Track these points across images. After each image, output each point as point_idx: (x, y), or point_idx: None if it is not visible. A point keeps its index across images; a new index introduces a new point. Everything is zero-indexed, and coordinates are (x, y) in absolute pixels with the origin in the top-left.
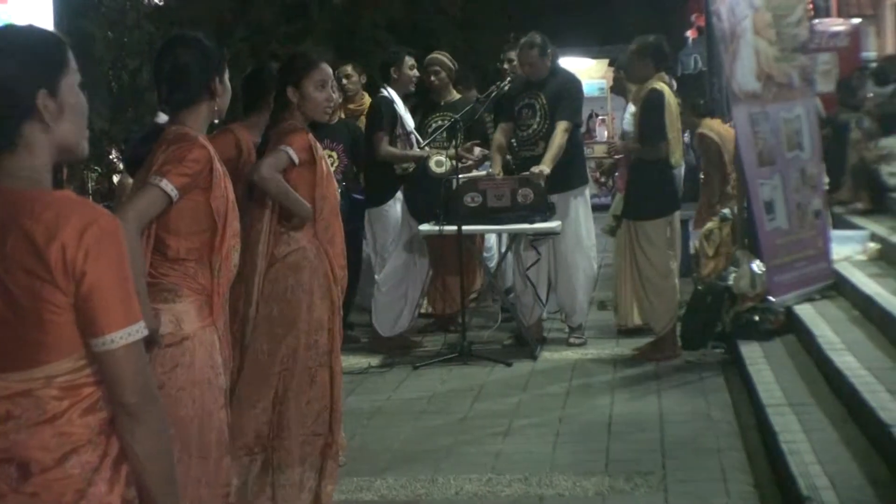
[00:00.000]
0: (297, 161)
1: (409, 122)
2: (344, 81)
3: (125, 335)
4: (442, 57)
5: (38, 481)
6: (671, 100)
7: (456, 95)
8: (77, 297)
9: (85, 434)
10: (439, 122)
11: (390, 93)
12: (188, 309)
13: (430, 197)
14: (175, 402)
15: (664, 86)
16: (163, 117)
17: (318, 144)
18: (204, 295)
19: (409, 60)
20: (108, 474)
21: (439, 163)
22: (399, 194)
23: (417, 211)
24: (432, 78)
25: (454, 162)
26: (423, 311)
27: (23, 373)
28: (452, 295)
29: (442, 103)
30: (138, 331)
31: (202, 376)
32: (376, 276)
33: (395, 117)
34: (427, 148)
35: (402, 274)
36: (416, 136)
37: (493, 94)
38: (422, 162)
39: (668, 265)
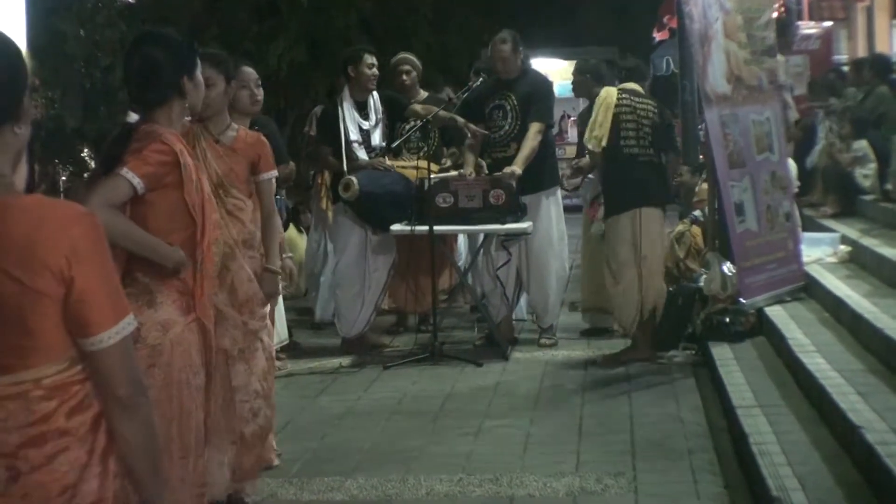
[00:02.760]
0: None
1: (366, 124)
2: (403, 78)
3: (116, 332)
4: (411, 56)
5: (27, 482)
6: (609, 100)
7: (424, 94)
8: (65, 301)
9: (73, 432)
10: (412, 123)
11: (341, 98)
12: (170, 312)
13: (376, 212)
14: (154, 403)
15: (608, 90)
16: (133, 116)
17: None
18: (186, 294)
19: (369, 59)
20: (98, 469)
21: (346, 185)
22: None
23: (368, 219)
24: (403, 77)
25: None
26: (385, 307)
27: (10, 376)
28: (424, 294)
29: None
30: (128, 325)
31: (180, 376)
32: (332, 277)
33: (337, 128)
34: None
35: (353, 273)
36: (377, 136)
37: (466, 95)
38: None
39: (629, 260)
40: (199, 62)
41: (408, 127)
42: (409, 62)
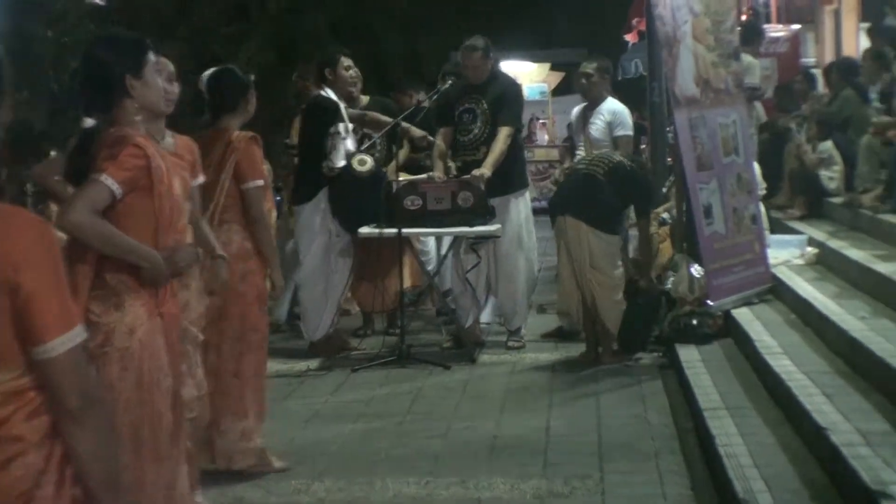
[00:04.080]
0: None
1: (349, 123)
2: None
3: (65, 341)
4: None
5: None
6: None
7: (366, 99)
8: (13, 308)
9: (30, 437)
10: (365, 129)
11: (329, 93)
12: (138, 313)
13: (354, 201)
14: (125, 405)
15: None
16: (89, 121)
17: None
18: (153, 295)
19: (345, 61)
20: (55, 476)
21: (362, 161)
22: (322, 195)
23: (341, 215)
24: (356, 83)
25: (376, 161)
26: (349, 310)
27: None
28: (388, 294)
29: (358, 110)
30: (78, 335)
31: (151, 378)
32: (295, 277)
33: (339, 114)
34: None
35: (317, 275)
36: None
37: (435, 98)
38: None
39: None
40: (150, 60)
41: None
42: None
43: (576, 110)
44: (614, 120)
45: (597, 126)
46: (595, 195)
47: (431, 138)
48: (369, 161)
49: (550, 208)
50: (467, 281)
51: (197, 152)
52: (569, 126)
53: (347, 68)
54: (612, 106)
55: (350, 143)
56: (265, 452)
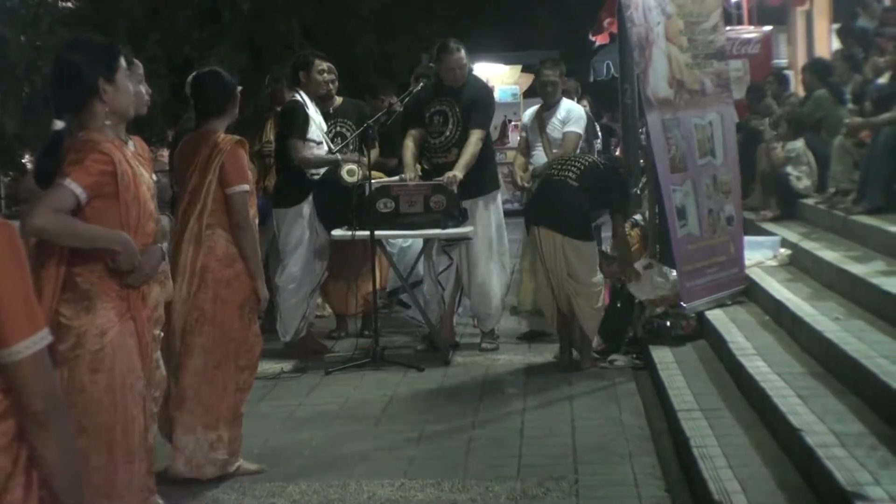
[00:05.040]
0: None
1: (323, 125)
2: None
3: (29, 345)
4: (331, 65)
5: None
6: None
7: (339, 99)
8: None
9: None
10: (339, 129)
11: (302, 96)
12: (109, 316)
13: (340, 204)
14: (98, 407)
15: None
16: (59, 124)
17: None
18: (123, 299)
19: (320, 64)
20: (23, 479)
21: (351, 171)
22: (309, 198)
23: (326, 217)
24: (330, 86)
25: (365, 170)
26: (323, 312)
27: None
28: (360, 294)
29: (331, 110)
30: (42, 339)
31: (123, 381)
32: (276, 280)
33: (308, 121)
34: (338, 154)
35: (300, 278)
36: (326, 141)
37: (407, 100)
38: (334, 168)
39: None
40: (122, 65)
41: (334, 133)
42: (333, 71)
43: (529, 112)
44: (567, 117)
45: (553, 125)
46: (569, 203)
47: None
48: (358, 171)
49: (525, 218)
50: (439, 282)
51: (149, 152)
52: (523, 128)
53: (321, 71)
54: (567, 105)
55: (324, 149)
56: (229, 464)
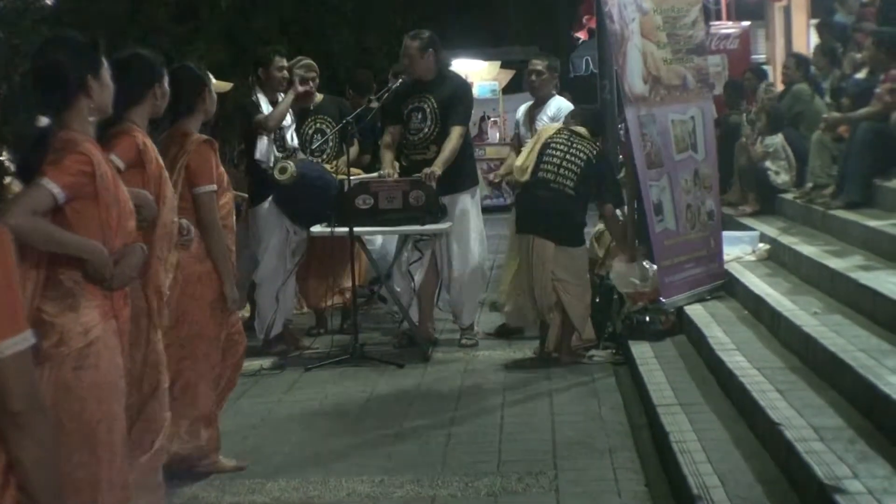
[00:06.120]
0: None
1: (283, 122)
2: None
3: (11, 345)
4: (313, 63)
5: None
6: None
7: (321, 96)
8: None
9: None
10: (318, 126)
11: (258, 97)
12: (93, 315)
13: (299, 202)
14: (82, 405)
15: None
16: (44, 120)
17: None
18: (107, 297)
19: (280, 61)
20: (0, 480)
21: (282, 169)
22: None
23: (290, 215)
24: (310, 84)
25: (297, 169)
26: (298, 310)
27: None
28: (343, 292)
29: (311, 107)
30: (25, 340)
31: (108, 378)
32: (254, 277)
33: (257, 113)
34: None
35: (275, 275)
36: (290, 136)
37: (385, 97)
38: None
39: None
40: (104, 63)
41: (312, 131)
42: (312, 69)
43: (521, 108)
44: (557, 114)
45: (543, 122)
46: (566, 213)
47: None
48: (290, 167)
49: (517, 223)
50: (409, 273)
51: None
52: (516, 124)
53: (280, 68)
54: (558, 103)
55: (267, 146)
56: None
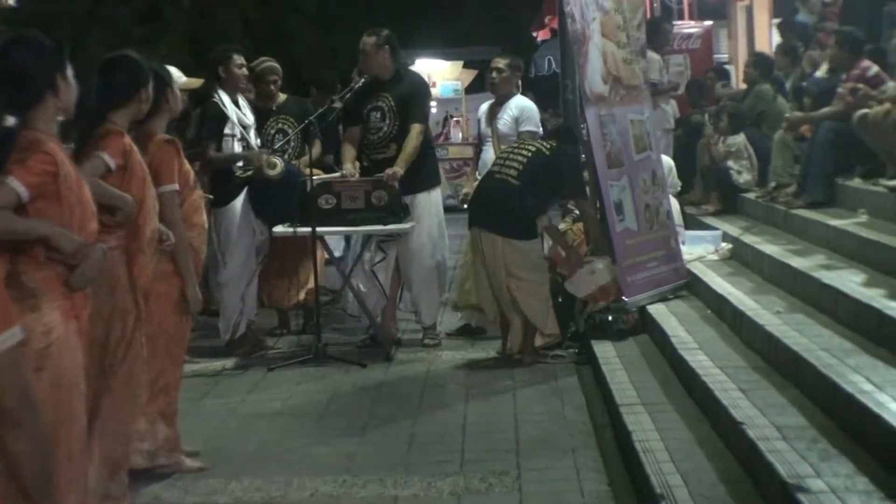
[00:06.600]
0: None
1: (246, 120)
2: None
3: (1, 342)
4: (276, 65)
5: None
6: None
7: (283, 97)
8: None
9: None
10: (280, 126)
11: (220, 95)
12: (54, 315)
13: (275, 200)
14: (41, 407)
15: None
16: (11, 119)
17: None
18: (68, 298)
19: (238, 59)
20: None
21: (272, 164)
22: (241, 196)
23: (264, 214)
24: (271, 87)
25: (285, 163)
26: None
27: None
28: (305, 292)
29: (274, 108)
30: (13, 336)
31: (70, 379)
32: (218, 278)
33: (223, 120)
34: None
35: (242, 276)
36: (252, 135)
37: (347, 97)
38: (257, 165)
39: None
40: (68, 63)
41: (275, 131)
42: (276, 71)
43: (483, 107)
44: (521, 115)
45: (504, 121)
46: (510, 203)
47: None
48: (279, 164)
49: (468, 217)
50: (375, 275)
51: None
52: (477, 122)
53: (240, 67)
54: (520, 102)
55: (238, 146)
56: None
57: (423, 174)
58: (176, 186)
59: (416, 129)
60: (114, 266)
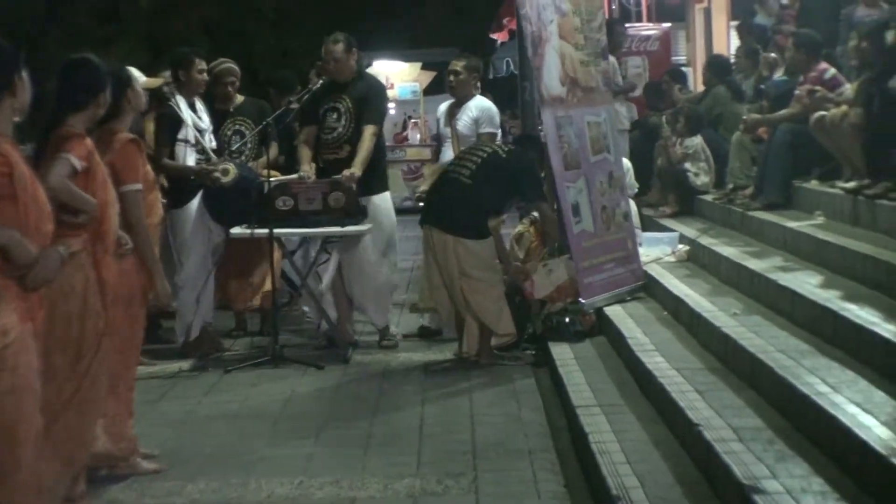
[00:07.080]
0: None
1: (202, 125)
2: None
3: None
4: (234, 66)
5: None
6: None
7: (241, 98)
8: None
9: None
10: (237, 128)
11: (177, 101)
12: (11, 317)
13: (232, 203)
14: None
15: None
16: None
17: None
18: (25, 300)
19: (199, 63)
20: None
21: (225, 171)
22: (197, 198)
23: (217, 216)
24: (229, 88)
25: (239, 168)
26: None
27: None
28: (261, 293)
29: (231, 109)
30: None
31: (25, 382)
32: (175, 279)
33: (178, 127)
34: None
35: (198, 278)
36: (208, 139)
37: (306, 98)
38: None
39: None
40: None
41: (232, 132)
42: (234, 73)
43: (442, 107)
44: (481, 116)
45: (464, 122)
46: (461, 202)
47: None
48: (231, 170)
49: (421, 215)
50: (318, 275)
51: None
52: (437, 122)
53: (201, 71)
54: (480, 103)
55: (191, 152)
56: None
57: (373, 178)
58: (140, 186)
59: (369, 130)
60: (78, 269)
